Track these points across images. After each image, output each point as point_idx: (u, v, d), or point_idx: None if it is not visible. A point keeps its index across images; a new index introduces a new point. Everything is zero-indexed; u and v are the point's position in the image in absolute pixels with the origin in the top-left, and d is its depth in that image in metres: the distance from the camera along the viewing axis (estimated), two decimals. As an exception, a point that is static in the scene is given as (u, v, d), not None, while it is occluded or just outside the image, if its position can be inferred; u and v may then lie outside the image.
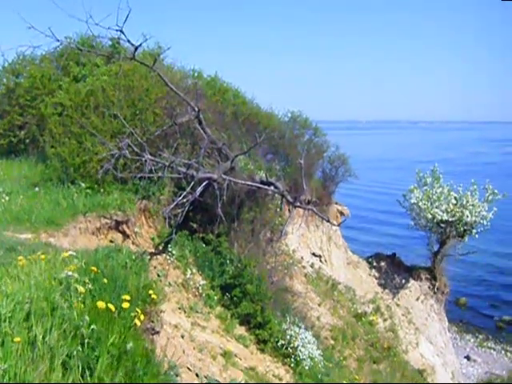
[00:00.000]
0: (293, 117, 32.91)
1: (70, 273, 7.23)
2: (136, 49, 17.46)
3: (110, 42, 23.66)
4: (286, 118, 32.78)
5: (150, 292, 9.00)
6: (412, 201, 35.76)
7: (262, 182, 20.28)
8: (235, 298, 18.32)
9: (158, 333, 9.71)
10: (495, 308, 59.04)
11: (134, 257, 11.26)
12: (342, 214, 36.51)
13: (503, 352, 49.97)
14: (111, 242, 15.78)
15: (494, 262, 70.21)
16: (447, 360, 36.14)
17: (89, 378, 5.57)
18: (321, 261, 32.79)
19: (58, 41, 17.20)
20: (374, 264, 37.07)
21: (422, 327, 35.09)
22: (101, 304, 6.68)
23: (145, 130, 18.96)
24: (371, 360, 26.29)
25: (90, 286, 7.34)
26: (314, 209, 21.47)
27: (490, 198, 35.87)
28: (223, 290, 18.71)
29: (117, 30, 16.13)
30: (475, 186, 35.81)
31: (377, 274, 36.36)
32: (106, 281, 7.90)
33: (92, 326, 6.19)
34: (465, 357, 48.21)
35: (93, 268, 8.09)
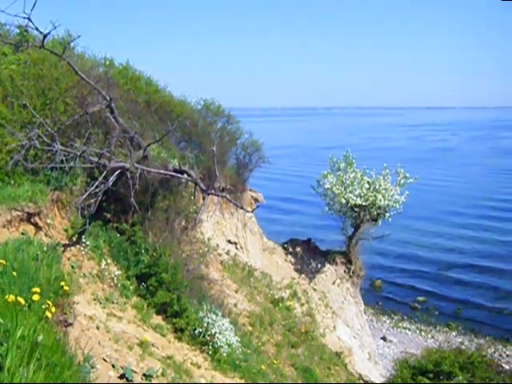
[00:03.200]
0: (205, 105, 32.70)
1: (-23, 266, 7.07)
2: (45, 37, 17.10)
3: (18, 30, 23.08)
4: (199, 105, 32.54)
5: (62, 284, 8.88)
6: (326, 186, 36.16)
7: (175, 171, 20.23)
8: (151, 288, 18.24)
9: (71, 325, 9.60)
10: (409, 289, 60.79)
11: (45, 249, 11.08)
12: (256, 200, 36.65)
13: (418, 331, 51.60)
14: (23, 234, 15.48)
15: (407, 245, 72.03)
16: (364, 342, 36.79)
17: (-2, 373, 5.46)
18: (236, 248, 32.87)
19: (-38, 29, 16.80)
20: (290, 250, 37.38)
21: (339, 311, 35.60)
22: (9, 297, 6.55)
23: (55, 120, 18.59)
24: (289, 344, 26.57)
25: (-2, 279, 7.20)
26: (228, 196, 21.50)
27: (402, 181, 36.65)
28: (139, 279, 18.60)
29: (24, 18, 15.80)
30: (387, 171, 36.49)
31: (293, 260, 36.67)
32: (15, 274, 7.75)
33: (-1, 320, 6.06)
34: (381, 338, 49.46)
35: (1, 261, 7.94)
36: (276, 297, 30.77)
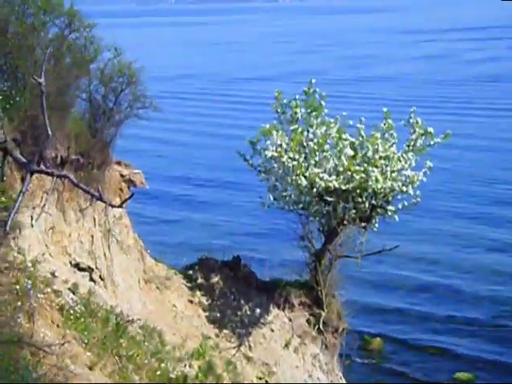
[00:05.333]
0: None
1: None
2: None
3: None
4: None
5: None
6: (269, 154, 34.40)
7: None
8: None
9: None
10: (440, 353, 59.70)
11: None
12: (131, 182, 35.79)
13: None
14: None
15: (427, 266, 71.59)
16: None
17: None
18: (92, 279, 32.11)
19: None
20: (199, 280, 36.60)
21: (300, 400, 35.16)
22: None
23: None
24: None
25: None
26: (71, 176, 20.79)
27: (420, 142, 35.31)
28: None
29: None
30: (389, 121, 35.25)
31: (205, 300, 35.96)
32: None
33: None
34: None
35: None
36: (172, 375, 30.04)
